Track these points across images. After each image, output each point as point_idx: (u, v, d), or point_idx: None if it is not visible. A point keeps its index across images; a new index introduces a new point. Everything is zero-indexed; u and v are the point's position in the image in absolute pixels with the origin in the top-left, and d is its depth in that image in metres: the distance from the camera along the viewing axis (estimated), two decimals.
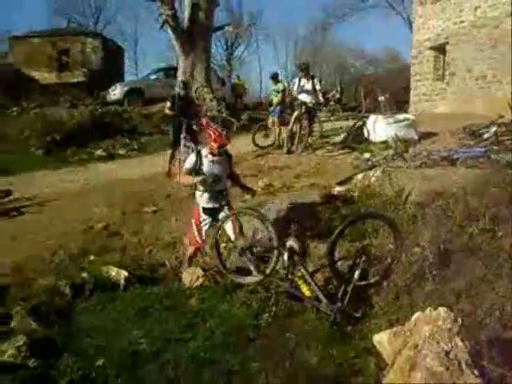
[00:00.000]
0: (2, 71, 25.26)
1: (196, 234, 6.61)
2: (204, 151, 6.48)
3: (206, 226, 6.61)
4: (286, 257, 5.86)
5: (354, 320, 5.43)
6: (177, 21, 18.53)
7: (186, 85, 11.55)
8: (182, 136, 10.58)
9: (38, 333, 5.25)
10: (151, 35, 75.58)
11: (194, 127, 10.76)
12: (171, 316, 5.70)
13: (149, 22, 63.31)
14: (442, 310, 4.42)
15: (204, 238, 6.66)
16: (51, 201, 9.83)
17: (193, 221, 6.66)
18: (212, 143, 6.32)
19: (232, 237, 6.47)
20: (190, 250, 6.84)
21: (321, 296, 5.56)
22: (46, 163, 13.97)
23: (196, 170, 6.43)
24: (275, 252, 5.89)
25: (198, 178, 6.37)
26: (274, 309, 5.61)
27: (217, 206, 6.56)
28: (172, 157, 10.72)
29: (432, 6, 19.28)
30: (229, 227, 6.46)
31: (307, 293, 5.68)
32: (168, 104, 11.02)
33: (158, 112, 17.99)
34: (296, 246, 5.92)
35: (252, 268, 6.25)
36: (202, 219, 6.59)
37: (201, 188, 6.47)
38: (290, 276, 5.82)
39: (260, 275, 6.04)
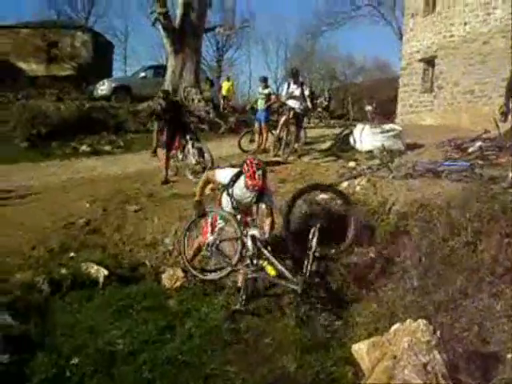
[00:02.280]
0: None
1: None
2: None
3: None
4: (249, 244, 5.97)
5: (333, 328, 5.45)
6: (168, 19, 18.49)
7: (167, 93, 11.26)
8: (188, 137, 10.38)
9: (14, 328, 5.16)
10: (142, 32, 75.10)
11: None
12: (150, 317, 5.64)
13: (140, 18, 63.28)
14: (421, 322, 4.45)
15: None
16: (32, 194, 9.70)
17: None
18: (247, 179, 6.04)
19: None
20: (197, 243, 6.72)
21: (285, 272, 5.78)
22: (30, 156, 13.80)
23: (226, 188, 6.29)
24: (239, 242, 6.05)
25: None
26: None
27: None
28: (168, 162, 10.22)
29: (423, 19, 19.51)
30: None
31: (272, 272, 5.80)
32: (155, 126, 11.02)
33: (145, 109, 17.93)
34: (257, 233, 6.01)
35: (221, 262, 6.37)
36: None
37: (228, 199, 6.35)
38: (255, 261, 5.93)
39: (228, 267, 6.17)
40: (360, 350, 4.64)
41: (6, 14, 71.63)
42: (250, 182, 5.94)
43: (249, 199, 6.23)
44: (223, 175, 6.36)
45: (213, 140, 14.33)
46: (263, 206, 6.25)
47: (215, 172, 6.67)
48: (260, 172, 5.93)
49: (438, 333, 4.37)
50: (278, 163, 10.91)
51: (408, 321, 4.55)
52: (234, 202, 6.25)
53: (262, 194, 6.11)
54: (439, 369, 4.07)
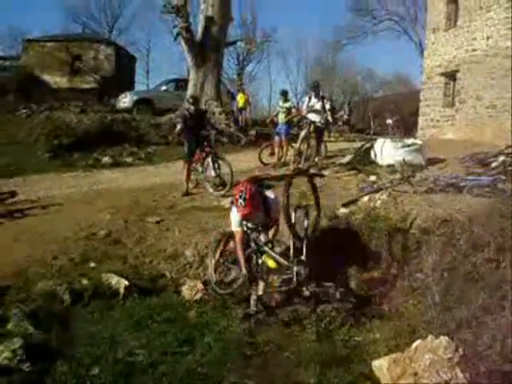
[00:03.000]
0: (14, 73, 25.47)
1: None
2: None
3: None
4: (252, 243, 6.33)
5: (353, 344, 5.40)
6: (190, 33, 18.72)
7: (195, 99, 11.37)
8: (207, 150, 10.29)
9: (35, 337, 5.20)
10: (164, 46, 76.01)
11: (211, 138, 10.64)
12: (169, 328, 5.64)
13: (162, 33, 64.04)
14: (443, 338, 4.39)
15: None
16: (55, 204, 9.82)
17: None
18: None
19: None
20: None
21: (281, 260, 5.99)
22: (52, 167, 14.00)
23: None
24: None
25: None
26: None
27: None
28: (189, 174, 10.28)
29: (445, 33, 19.40)
30: None
31: (272, 265, 6.07)
32: (178, 127, 10.90)
33: (167, 122, 18.10)
34: (262, 237, 6.32)
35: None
36: None
37: None
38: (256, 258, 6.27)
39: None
40: (381, 366, 4.59)
41: (32, 27, 73.02)
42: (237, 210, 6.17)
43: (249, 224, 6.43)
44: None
45: (233, 153, 14.39)
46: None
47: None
48: (241, 200, 6.05)
49: (461, 350, 4.31)
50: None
51: (429, 337, 4.49)
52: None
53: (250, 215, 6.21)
54: None
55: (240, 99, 22.52)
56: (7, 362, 4.63)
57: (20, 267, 7.08)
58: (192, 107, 10.63)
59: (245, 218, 6.23)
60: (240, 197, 6.07)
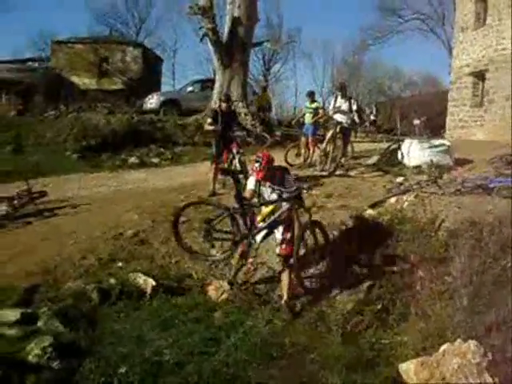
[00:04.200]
0: (43, 75, 25.87)
1: None
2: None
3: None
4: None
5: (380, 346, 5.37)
6: (217, 35, 18.78)
7: (228, 97, 11.35)
8: (235, 151, 10.28)
9: (64, 335, 5.28)
10: (190, 47, 76.50)
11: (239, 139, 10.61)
12: (195, 328, 5.68)
13: (188, 34, 64.42)
14: (471, 342, 4.34)
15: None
16: (83, 204, 9.98)
17: None
18: None
19: None
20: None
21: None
22: (81, 167, 14.21)
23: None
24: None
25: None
26: None
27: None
28: (216, 174, 10.21)
29: (473, 32, 19.16)
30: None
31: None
32: (209, 120, 10.77)
33: (193, 123, 18.20)
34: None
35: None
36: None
37: None
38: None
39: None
40: (408, 369, 4.55)
41: (61, 29, 74.16)
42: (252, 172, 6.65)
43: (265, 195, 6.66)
44: (250, 183, 6.70)
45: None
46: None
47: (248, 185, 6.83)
48: (257, 164, 6.43)
49: (489, 355, 4.25)
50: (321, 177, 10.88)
51: (458, 341, 4.44)
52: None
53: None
54: None
55: (262, 98, 22.30)
56: (37, 360, 4.70)
57: (49, 266, 7.20)
58: (224, 105, 10.64)
59: (258, 180, 6.52)
60: (256, 161, 6.44)
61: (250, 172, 6.84)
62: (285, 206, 6.50)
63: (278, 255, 6.53)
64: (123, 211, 9.22)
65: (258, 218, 6.68)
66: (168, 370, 4.76)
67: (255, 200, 6.59)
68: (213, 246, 7.10)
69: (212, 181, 10.14)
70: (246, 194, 6.62)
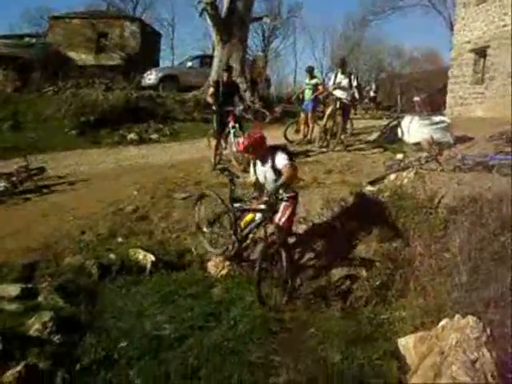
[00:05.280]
0: (40, 50, 25.58)
1: None
2: None
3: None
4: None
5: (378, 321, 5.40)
6: (216, 9, 18.55)
7: (230, 68, 11.22)
8: (230, 125, 10.21)
9: (64, 310, 5.31)
10: (189, 22, 75.64)
11: (237, 113, 10.46)
12: (195, 303, 5.70)
13: (187, 9, 63.63)
14: (470, 318, 4.35)
15: None
16: (82, 181, 9.97)
17: None
18: None
19: None
20: None
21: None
22: (79, 143, 14.17)
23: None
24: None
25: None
26: None
27: None
28: (217, 148, 10.27)
29: (475, 7, 18.94)
30: None
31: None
32: (210, 90, 10.62)
33: (192, 99, 18.08)
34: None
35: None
36: None
37: None
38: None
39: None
40: (406, 344, 4.58)
41: (58, 4, 73.10)
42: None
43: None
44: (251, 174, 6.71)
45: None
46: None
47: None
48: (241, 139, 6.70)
49: (488, 330, 4.26)
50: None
51: (457, 317, 4.45)
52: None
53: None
54: (488, 367, 3.96)
55: (253, 71, 21.48)
56: (38, 334, 4.73)
57: (48, 242, 7.23)
58: (225, 74, 10.55)
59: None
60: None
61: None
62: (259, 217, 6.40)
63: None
64: (122, 187, 9.22)
65: (241, 223, 6.62)
66: (168, 344, 4.79)
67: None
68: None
69: (213, 156, 10.11)
70: (250, 185, 6.64)
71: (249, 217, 6.58)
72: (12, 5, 69.28)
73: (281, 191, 6.07)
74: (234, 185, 6.92)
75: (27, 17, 42.63)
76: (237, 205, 6.63)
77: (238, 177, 7.35)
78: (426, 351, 4.34)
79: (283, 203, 6.17)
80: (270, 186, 6.24)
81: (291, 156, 6.45)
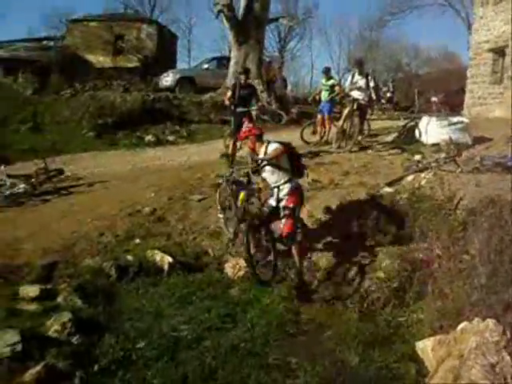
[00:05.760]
0: (58, 53, 25.82)
1: None
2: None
3: None
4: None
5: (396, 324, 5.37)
6: (232, 11, 18.58)
7: (246, 70, 11.28)
8: (245, 126, 10.24)
9: (83, 311, 5.35)
10: (205, 24, 75.84)
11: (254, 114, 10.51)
12: (212, 305, 5.72)
13: (203, 10, 63.81)
14: (490, 321, 4.30)
15: None
16: (100, 182, 10.04)
17: None
18: None
19: None
20: None
21: None
22: (97, 145, 14.30)
23: None
24: None
25: None
26: None
27: None
28: (235, 150, 10.30)
29: (493, 7, 18.69)
30: None
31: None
32: (229, 93, 10.77)
33: (209, 100, 18.13)
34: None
35: None
36: None
37: None
38: None
39: None
40: (425, 347, 4.54)
41: (76, 7, 73.84)
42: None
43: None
44: None
45: (274, 131, 14.30)
46: None
47: None
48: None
49: (508, 333, 4.21)
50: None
51: (476, 320, 4.41)
52: None
53: None
54: (508, 370, 3.92)
55: (268, 72, 21.44)
56: (57, 335, 4.77)
57: (67, 243, 7.30)
58: (242, 77, 10.61)
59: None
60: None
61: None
62: None
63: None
64: (140, 189, 9.27)
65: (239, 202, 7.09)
66: (185, 345, 4.82)
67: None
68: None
69: (230, 156, 10.15)
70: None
71: (241, 195, 6.97)
72: (31, 9, 70.04)
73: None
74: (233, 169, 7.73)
75: (46, 20, 43.06)
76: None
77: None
78: (444, 354, 4.31)
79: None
80: (264, 174, 6.73)
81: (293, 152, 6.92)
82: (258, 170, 6.72)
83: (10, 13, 68.22)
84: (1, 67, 23.23)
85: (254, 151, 7.16)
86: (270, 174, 6.60)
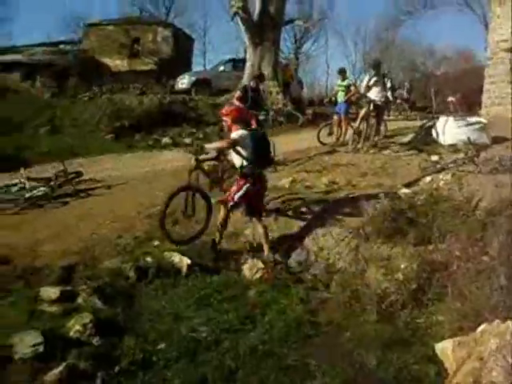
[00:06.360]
0: (76, 57, 26.11)
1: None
2: None
3: None
4: None
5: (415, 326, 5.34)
6: (248, 13, 18.63)
7: (260, 75, 11.38)
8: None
9: (103, 312, 5.39)
10: (221, 27, 76.10)
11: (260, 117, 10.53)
12: (231, 306, 5.73)
13: (219, 13, 64.07)
14: (510, 323, 4.26)
15: None
16: (118, 184, 10.13)
17: None
18: None
19: None
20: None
21: None
22: (115, 148, 14.42)
23: None
24: None
25: None
26: None
27: None
28: None
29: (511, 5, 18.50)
30: None
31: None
32: (238, 93, 10.87)
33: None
34: None
35: None
36: None
37: None
38: None
39: None
40: (445, 348, 4.51)
41: (92, 11, 74.55)
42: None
43: None
44: None
45: (291, 132, 14.34)
46: None
47: None
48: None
49: None
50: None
51: (496, 321, 4.38)
52: None
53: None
54: None
55: (285, 73, 21.05)
56: (78, 336, 4.81)
57: (86, 245, 7.35)
58: (253, 81, 10.67)
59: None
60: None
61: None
62: None
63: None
64: (157, 191, 9.31)
65: None
66: (205, 346, 4.84)
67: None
68: None
69: None
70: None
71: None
72: (50, 14, 70.88)
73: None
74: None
75: (64, 25, 43.45)
76: None
77: None
78: (464, 356, 4.28)
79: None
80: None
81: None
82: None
83: (28, 17, 68.92)
84: (19, 72, 23.55)
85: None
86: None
